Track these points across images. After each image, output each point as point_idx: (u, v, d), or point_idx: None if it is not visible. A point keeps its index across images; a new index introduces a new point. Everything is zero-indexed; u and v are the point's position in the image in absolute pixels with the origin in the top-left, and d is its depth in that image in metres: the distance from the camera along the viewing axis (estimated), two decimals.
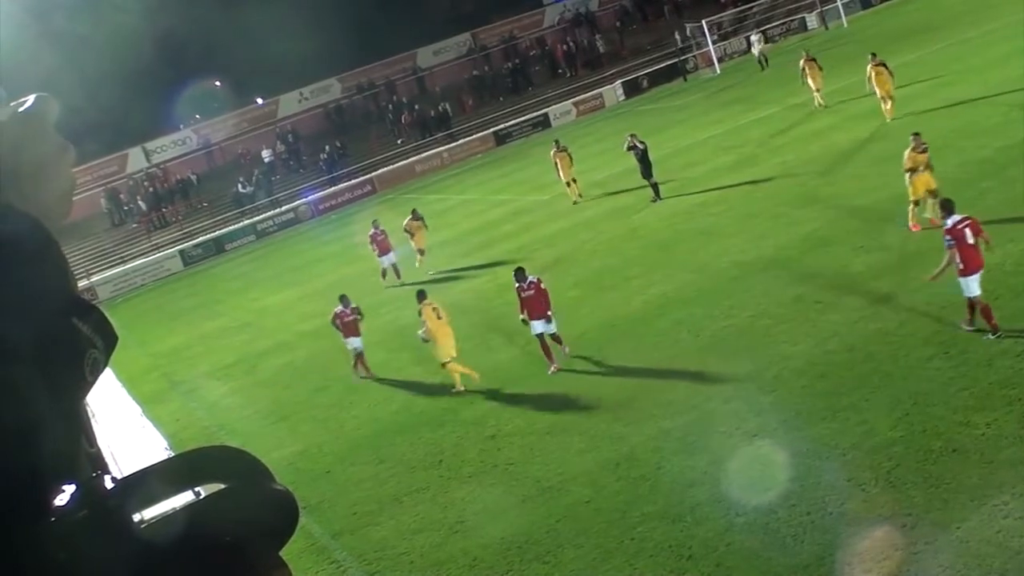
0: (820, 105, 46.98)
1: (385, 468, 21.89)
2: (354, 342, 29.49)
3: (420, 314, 25.10)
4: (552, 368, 24.20)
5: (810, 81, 47.73)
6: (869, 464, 15.92)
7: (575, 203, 42.47)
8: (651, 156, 38.74)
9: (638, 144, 39.00)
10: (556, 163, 44.28)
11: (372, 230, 40.14)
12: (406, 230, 40.55)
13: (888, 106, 39.38)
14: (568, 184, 43.71)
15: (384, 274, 39.62)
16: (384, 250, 39.77)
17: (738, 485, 16.41)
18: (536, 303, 24.18)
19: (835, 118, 43.74)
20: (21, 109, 1.65)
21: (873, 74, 39.76)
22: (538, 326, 24.30)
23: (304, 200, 74.61)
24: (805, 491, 15.75)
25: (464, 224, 48.28)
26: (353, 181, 76.55)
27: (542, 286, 24.43)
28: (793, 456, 16.88)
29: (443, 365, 25.19)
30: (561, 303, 29.28)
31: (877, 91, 39.59)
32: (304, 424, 26.55)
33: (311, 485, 21.47)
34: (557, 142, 45.71)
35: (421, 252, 40.23)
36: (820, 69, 47.93)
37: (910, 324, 20.53)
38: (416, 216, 40.80)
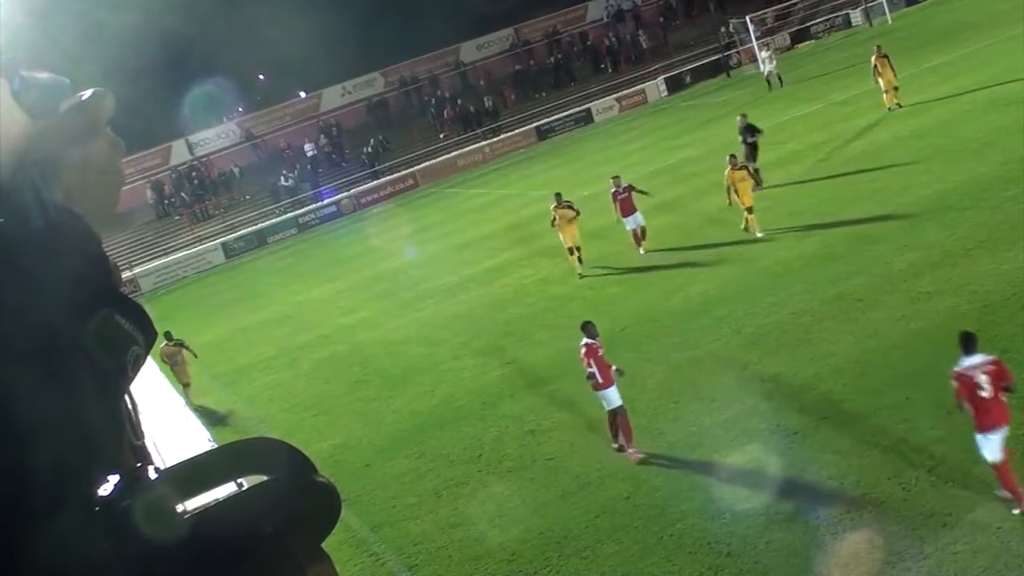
0: (895, 105, 43.76)
1: (424, 462, 21.96)
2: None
3: None
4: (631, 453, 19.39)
5: (881, 80, 44.48)
6: (910, 463, 15.87)
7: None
8: (759, 144, 37.77)
9: (751, 127, 37.74)
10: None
11: (613, 187, 34.12)
12: (553, 222, 34.37)
13: None
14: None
15: (636, 239, 33.88)
16: (628, 210, 33.78)
17: (778, 482, 16.39)
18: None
19: (877, 114, 43.47)
20: (77, 101, 1.68)
21: None
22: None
23: (328, 200, 74.90)
24: (845, 489, 15.72)
25: (506, 219, 48.27)
26: (396, 175, 76.89)
27: (589, 356, 19.39)
28: (834, 454, 16.85)
29: None
30: (603, 299, 29.42)
31: None
32: (344, 417, 26.63)
33: (351, 478, 21.54)
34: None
35: (576, 250, 33.76)
36: (892, 67, 44.31)
37: (952, 323, 20.31)
38: (561, 203, 34.15)
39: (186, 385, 30.27)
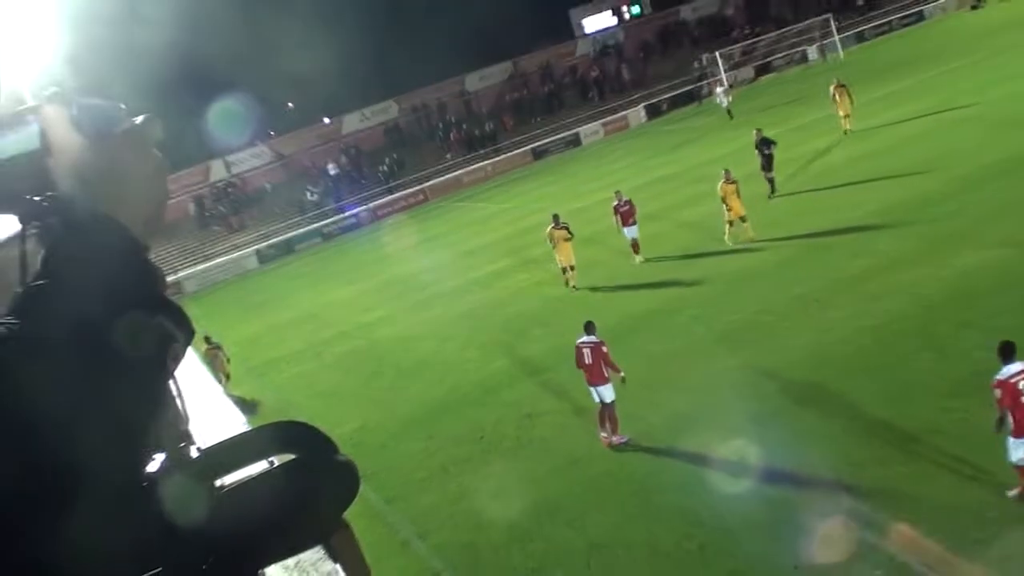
0: (848, 131, 43.61)
1: (433, 443, 21.96)
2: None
3: None
4: (603, 437, 19.15)
5: (839, 107, 44.31)
6: (859, 443, 15.90)
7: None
8: (775, 155, 36.09)
9: (767, 140, 36.07)
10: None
11: (615, 200, 33.32)
12: (549, 240, 32.44)
13: None
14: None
15: (635, 248, 33.01)
16: (627, 221, 32.93)
17: (744, 461, 16.40)
18: (594, 369, 18.89)
19: (832, 138, 43.45)
20: (130, 126, 1.70)
21: None
22: (592, 394, 19.13)
23: (349, 212, 75.24)
24: (803, 466, 15.74)
25: (505, 229, 48.31)
26: (408, 191, 77.28)
27: (604, 349, 18.93)
28: (794, 435, 16.86)
29: None
30: (591, 300, 29.36)
31: None
32: (363, 404, 26.62)
33: (368, 457, 21.51)
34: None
35: (570, 269, 32.06)
36: (851, 96, 44.16)
37: (898, 321, 20.47)
38: (559, 224, 32.12)
39: (226, 376, 30.29)
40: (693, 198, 39.38)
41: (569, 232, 31.76)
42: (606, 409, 19.01)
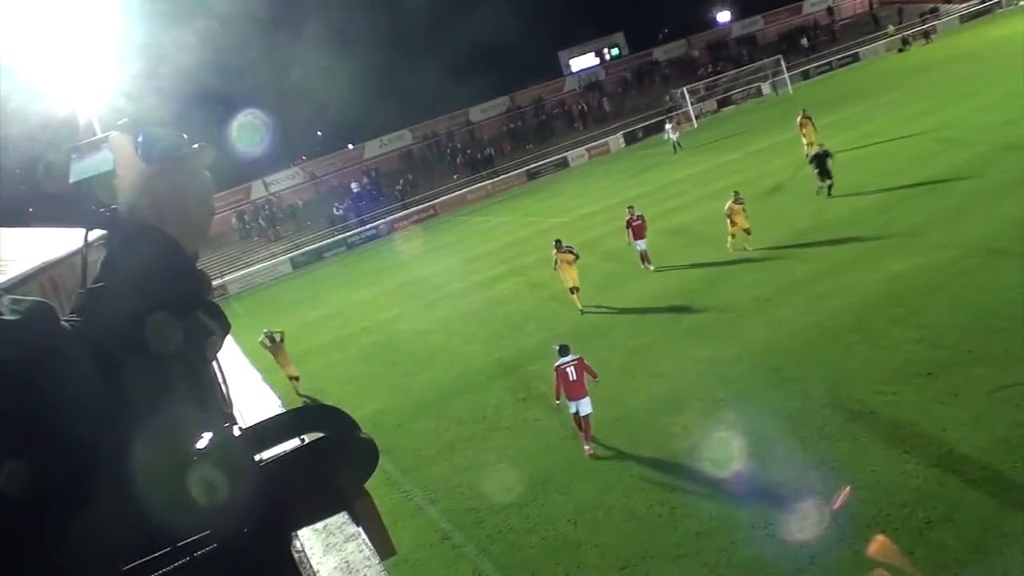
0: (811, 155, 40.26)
1: (442, 422, 21.94)
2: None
3: None
4: (587, 450, 17.82)
5: (804, 135, 41.93)
6: (807, 423, 15.88)
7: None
8: (829, 163, 33.52)
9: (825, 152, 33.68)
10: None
11: (628, 215, 31.46)
12: (556, 267, 29.52)
13: None
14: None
15: (643, 258, 31.49)
16: (639, 235, 31.25)
17: (708, 437, 16.39)
18: (578, 385, 17.87)
19: (784, 160, 43.38)
20: (186, 152, 1.72)
21: None
22: (572, 406, 18.07)
23: (370, 224, 75.27)
24: (758, 442, 15.72)
25: (503, 239, 48.30)
26: (420, 207, 77.52)
27: (585, 362, 18.11)
28: (750, 415, 16.85)
29: None
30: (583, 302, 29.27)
31: None
32: (382, 389, 26.60)
33: (387, 435, 21.51)
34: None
35: (575, 290, 28.93)
36: (814, 126, 42.02)
37: (839, 317, 20.48)
38: (562, 248, 29.05)
39: (293, 372, 28.94)
40: (667, 212, 39.37)
41: (574, 255, 29.06)
42: (581, 419, 18.03)
